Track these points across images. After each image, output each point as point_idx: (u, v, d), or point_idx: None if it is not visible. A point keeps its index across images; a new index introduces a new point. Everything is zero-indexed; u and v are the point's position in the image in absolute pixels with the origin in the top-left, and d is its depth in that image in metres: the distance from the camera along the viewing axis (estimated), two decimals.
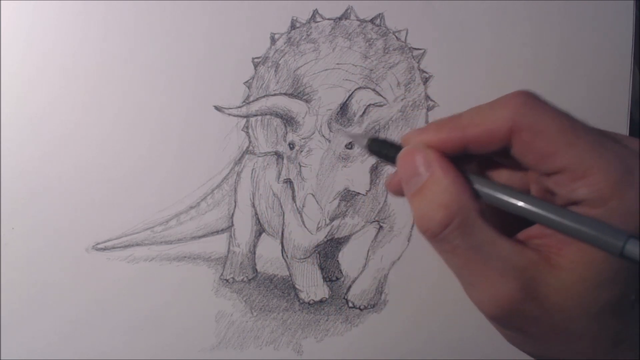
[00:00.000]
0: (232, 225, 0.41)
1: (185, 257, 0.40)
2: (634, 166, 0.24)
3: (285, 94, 0.39)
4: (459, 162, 0.27)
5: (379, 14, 0.39)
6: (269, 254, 0.41)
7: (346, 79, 0.38)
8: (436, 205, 0.26)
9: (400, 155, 0.28)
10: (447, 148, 0.27)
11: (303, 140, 0.39)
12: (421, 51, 0.39)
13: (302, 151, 0.38)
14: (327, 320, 0.40)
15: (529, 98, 0.26)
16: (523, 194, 0.26)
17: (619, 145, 0.25)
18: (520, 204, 0.26)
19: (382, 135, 0.30)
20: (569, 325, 0.25)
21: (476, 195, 0.27)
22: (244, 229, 0.41)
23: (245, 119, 0.39)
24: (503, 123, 0.26)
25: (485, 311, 0.26)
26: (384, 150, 0.30)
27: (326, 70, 0.38)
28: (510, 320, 0.26)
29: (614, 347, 0.26)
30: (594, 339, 0.25)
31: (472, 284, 0.26)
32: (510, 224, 0.28)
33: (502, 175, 0.29)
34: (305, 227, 0.40)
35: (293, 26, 0.39)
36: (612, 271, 0.24)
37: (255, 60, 0.39)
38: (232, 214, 0.40)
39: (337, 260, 0.41)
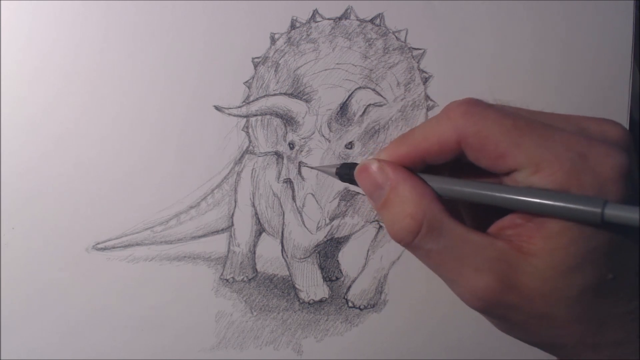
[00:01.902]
0: (232, 225, 0.41)
1: (185, 257, 0.40)
2: (586, 151, 0.24)
3: (285, 93, 0.39)
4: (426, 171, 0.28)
5: (379, 14, 0.39)
6: (269, 254, 0.41)
7: (346, 79, 0.38)
8: (402, 216, 0.27)
9: (357, 171, 0.29)
10: (407, 163, 0.28)
11: (303, 140, 0.39)
12: (421, 51, 0.39)
13: (302, 151, 0.38)
14: (327, 320, 0.40)
15: (470, 106, 0.26)
16: (487, 183, 0.26)
17: (567, 133, 0.25)
18: (487, 192, 0.26)
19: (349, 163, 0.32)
20: (550, 310, 0.26)
21: (437, 195, 0.27)
22: (244, 229, 0.41)
23: (245, 119, 0.39)
24: (450, 135, 0.26)
25: (469, 304, 0.27)
26: (349, 172, 0.30)
27: (326, 70, 0.38)
28: (493, 310, 0.27)
29: (600, 327, 0.26)
30: (578, 320, 0.26)
31: (452, 281, 0.27)
32: (480, 218, 0.28)
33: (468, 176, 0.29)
34: (305, 226, 0.40)
35: (293, 26, 0.39)
36: (581, 255, 0.25)
37: (255, 60, 0.39)
38: (232, 214, 0.40)
39: (337, 260, 0.41)
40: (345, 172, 0.31)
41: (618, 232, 0.24)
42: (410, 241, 0.27)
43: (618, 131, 0.26)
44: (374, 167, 0.28)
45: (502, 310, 0.26)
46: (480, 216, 0.29)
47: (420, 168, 0.28)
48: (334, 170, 0.32)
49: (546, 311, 0.26)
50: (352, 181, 0.30)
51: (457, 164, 0.28)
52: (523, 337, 0.29)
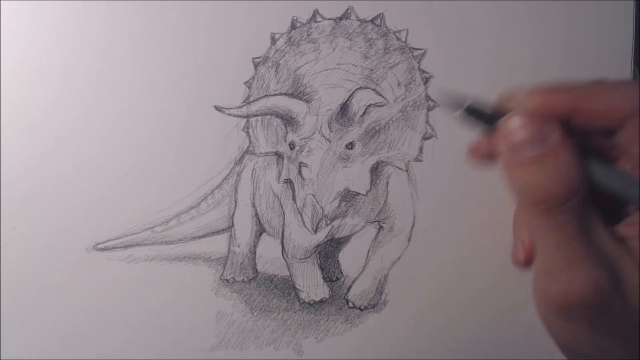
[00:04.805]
0: (233, 225, 0.41)
1: (185, 257, 0.40)
2: None
3: (285, 94, 0.39)
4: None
5: (380, 14, 0.39)
6: (269, 254, 0.41)
7: (346, 79, 0.38)
8: (557, 179, 0.25)
9: (511, 119, 0.26)
10: (552, 114, 0.26)
11: (303, 141, 0.38)
12: (421, 51, 0.39)
13: (302, 151, 0.38)
14: (327, 320, 0.40)
15: None
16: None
17: None
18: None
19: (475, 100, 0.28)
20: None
21: (588, 177, 0.25)
22: (244, 229, 0.41)
23: (245, 119, 0.39)
24: (626, 105, 0.25)
25: (571, 293, 0.25)
26: (482, 111, 0.27)
27: (326, 70, 0.38)
28: (588, 310, 0.25)
29: None
30: None
31: (562, 265, 0.25)
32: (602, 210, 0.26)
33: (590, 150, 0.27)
34: (306, 227, 0.40)
35: (293, 26, 0.39)
36: None
37: (256, 60, 0.39)
38: (233, 214, 0.40)
39: (338, 261, 0.41)
40: (480, 114, 0.28)
41: None
42: (559, 204, 0.25)
43: None
44: (537, 119, 0.26)
45: (598, 314, 0.25)
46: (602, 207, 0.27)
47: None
48: (464, 105, 0.28)
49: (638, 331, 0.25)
50: (484, 119, 0.27)
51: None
52: (587, 350, 0.27)
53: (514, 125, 0.26)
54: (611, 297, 0.24)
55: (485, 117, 0.28)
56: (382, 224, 0.40)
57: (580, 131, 0.27)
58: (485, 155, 0.29)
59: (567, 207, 0.25)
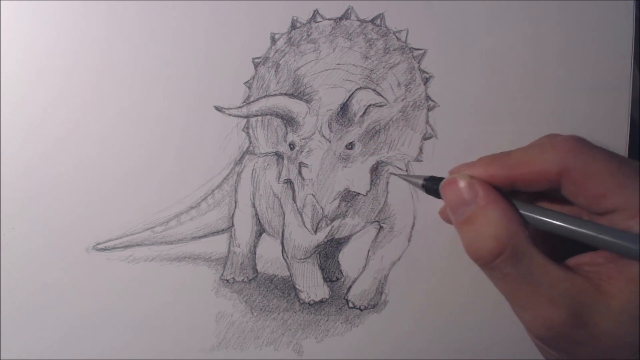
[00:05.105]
0: (233, 225, 0.41)
1: (185, 257, 0.40)
2: None
3: (285, 94, 0.39)
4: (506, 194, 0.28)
5: (380, 14, 0.39)
6: (269, 254, 0.41)
7: (346, 79, 0.38)
8: (486, 236, 0.27)
9: (444, 183, 0.29)
10: (495, 183, 0.28)
11: (303, 141, 0.38)
12: (422, 51, 0.39)
13: (302, 151, 0.38)
14: (327, 320, 0.40)
15: (579, 142, 0.27)
16: (579, 219, 0.27)
17: None
18: (579, 228, 0.26)
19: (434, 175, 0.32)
20: (616, 353, 0.25)
21: (524, 221, 0.27)
22: (244, 229, 0.41)
23: (245, 119, 0.39)
24: (553, 165, 0.27)
25: (534, 333, 0.27)
26: (436, 186, 0.31)
27: (326, 70, 0.38)
28: (558, 343, 0.26)
29: None
30: None
31: (522, 307, 0.27)
32: (555, 249, 0.28)
33: (552, 207, 0.29)
34: (306, 227, 0.40)
35: (293, 26, 0.39)
36: None
37: (256, 60, 0.39)
38: (233, 214, 0.40)
39: (338, 261, 0.41)
40: (433, 185, 0.31)
41: None
42: (489, 262, 0.27)
43: None
44: (463, 182, 0.28)
45: (567, 345, 0.26)
46: (556, 247, 0.29)
47: (505, 190, 0.28)
48: (420, 181, 0.32)
49: (612, 352, 0.26)
50: (437, 194, 0.31)
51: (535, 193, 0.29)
52: None
53: (445, 189, 0.29)
54: (573, 329, 0.25)
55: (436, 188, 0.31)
56: (382, 224, 0.40)
57: (526, 193, 0.29)
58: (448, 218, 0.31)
59: (501, 261, 0.26)
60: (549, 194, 0.29)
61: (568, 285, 0.26)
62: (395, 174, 0.39)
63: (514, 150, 0.29)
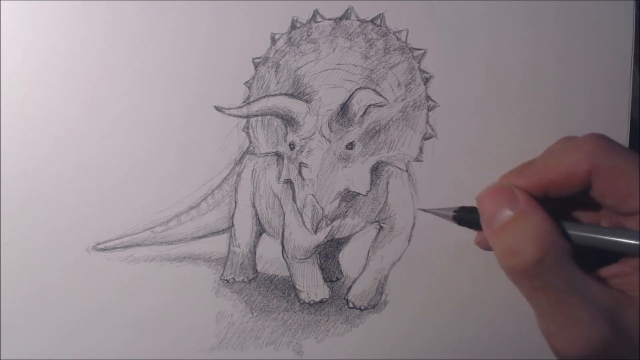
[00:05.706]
0: (233, 225, 0.41)
1: (185, 257, 0.40)
2: None
3: (285, 94, 0.39)
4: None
5: (380, 14, 0.39)
6: (269, 255, 0.41)
7: (347, 79, 0.38)
8: (528, 239, 0.25)
9: (482, 194, 0.28)
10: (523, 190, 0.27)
11: (303, 141, 0.38)
12: (422, 51, 0.39)
13: (302, 151, 0.38)
14: (327, 320, 0.40)
15: (605, 140, 0.26)
16: (615, 229, 0.26)
17: None
18: (625, 240, 0.25)
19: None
20: None
21: (565, 236, 0.26)
22: (244, 230, 0.41)
23: (245, 120, 0.39)
24: (583, 164, 0.26)
25: (575, 350, 0.25)
26: (469, 216, 0.30)
27: (327, 70, 0.38)
28: (597, 358, 0.25)
29: None
30: None
31: (560, 324, 0.25)
32: (582, 263, 0.27)
33: (577, 215, 0.29)
34: (306, 227, 0.40)
35: (293, 26, 0.39)
36: None
37: (256, 60, 0.39)
38: (233, 215, 0.40)
39: (338, 261, 0.41)
40: (465, 215, 0.31)
41: None
42: (529, 267, 0.25)
43: None
44: (504, 189, 0.27)
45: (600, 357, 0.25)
46: (583, 261, 0.27)
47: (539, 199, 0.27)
48: (451, 213, 0.32)
49: None
50: (469, 222, 0.30)
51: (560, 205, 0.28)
52: None
53: (482, 200, 0.28)
54: (615, 346, 0.25)
55: (472, 218, 0.30)
56: (382, 224, 0.40)
57: (559, 199, 0.28)
58: (487, 244, 0.30)
59: (544, 267, 0.25)
60: (567, 210, 0.28)
61: (607, 299, 0.25)
62: (422, 210, 0.38)
63: (535, 159, 0.28)
